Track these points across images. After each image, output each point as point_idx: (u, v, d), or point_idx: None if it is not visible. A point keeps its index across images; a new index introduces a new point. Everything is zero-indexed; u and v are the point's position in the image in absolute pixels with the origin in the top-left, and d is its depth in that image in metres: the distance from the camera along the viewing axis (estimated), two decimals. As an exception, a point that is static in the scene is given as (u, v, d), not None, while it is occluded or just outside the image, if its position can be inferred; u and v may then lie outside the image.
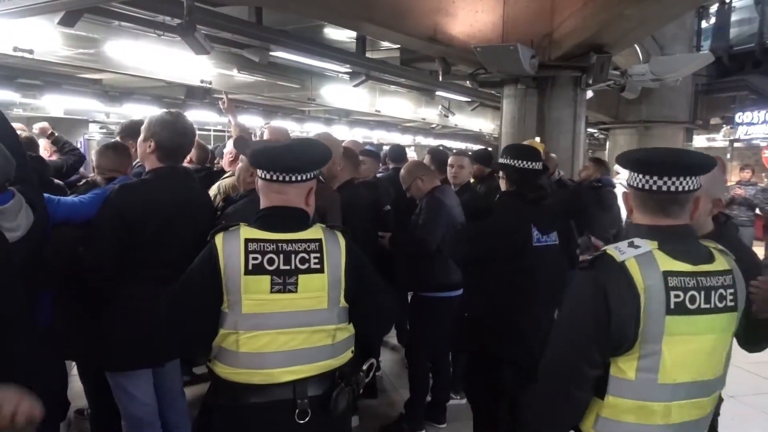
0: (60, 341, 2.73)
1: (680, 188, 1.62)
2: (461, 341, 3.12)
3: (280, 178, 1.89)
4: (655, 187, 1.62)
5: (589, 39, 6.09)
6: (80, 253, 2.51)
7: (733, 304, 1.64)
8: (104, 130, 16.23)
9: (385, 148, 10.93)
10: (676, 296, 1.56)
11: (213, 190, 3.68)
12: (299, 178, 1.89)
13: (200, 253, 1.90)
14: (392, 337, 5.70)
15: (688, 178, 1.62)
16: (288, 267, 1.82)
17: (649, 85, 7.56)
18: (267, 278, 1.80)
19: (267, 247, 1.82)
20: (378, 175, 5.32)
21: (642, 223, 1.69)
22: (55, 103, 11.04)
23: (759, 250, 8.34)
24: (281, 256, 1.82)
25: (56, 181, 3.89)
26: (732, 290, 1.64)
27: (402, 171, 4.14)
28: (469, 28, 6.48)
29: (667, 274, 1.56)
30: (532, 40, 6.17)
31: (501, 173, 3.10)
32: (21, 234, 2.19)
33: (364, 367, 2.04)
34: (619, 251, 1.61)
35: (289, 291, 1.81)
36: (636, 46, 8.35)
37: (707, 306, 1.59)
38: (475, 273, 3.07)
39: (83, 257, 2.51)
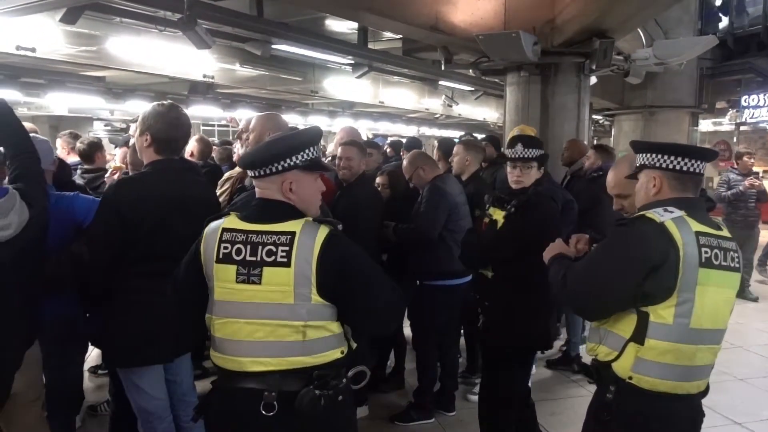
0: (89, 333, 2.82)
1: (703, 171, 2.05)
2: (515, 338, 3.00)
3: (252, 174, 1.94)
4: (695, 169, 2.02)
5: (591, 24, 6.04)
6: (80, 251, 2.53)
7: (739, 266, 2.00)
8: (108, 128, 16.28)
9: (389, 139, 10.93)
10: (705, 252, 1.89)
11: (225, 176, 3.68)
12: (264, 172, 1.89)
13: None
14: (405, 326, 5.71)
15: (706, 163, 2.05)
16: (254, 258, 1.82)
17: (653, 69, 7.48)
18: (233, 268, 1.83)
19: (237, 237, 1.85)
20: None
21: (669, 197, 2.01)
22: (59, 102, 11.07)
23: None
24: (248, 247, 1.83)
25: (77, 182, 3.90)
26: (737, 254, 2.00)
27: (404, 161, 4.17)
28: (471, 16, 6.44)
29: (698, 234, 1.90)
30: (534, 27, 6.12)
31: (530, 165, 3.04)
32: (12, 233, 2.18)
33: (350, 374, 1.93)
34: (658, 214, 1.92)
35: (253, 282, 1.81)
36: (639, 30, 8.27)
37: (726, 264, 1.94)
38: (509, 271, 2.99)
39: (83, 254, 2.52)
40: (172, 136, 2.64)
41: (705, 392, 2.04)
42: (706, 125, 15.81)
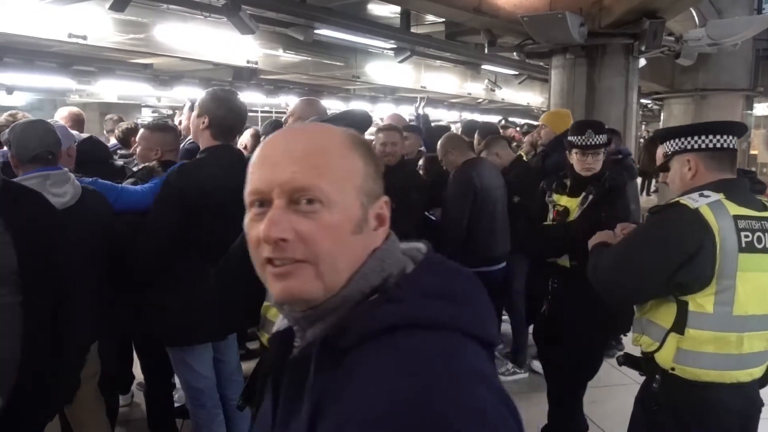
0: (119, 318, 2.83)
1: (735, 145, 1.99)
2: (598, 325, 2.93)
3: None
4: (726, 145, 1.95)
5: (641, 4, 5.87)
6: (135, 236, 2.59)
7: None
8: (156, 114, 16.62)
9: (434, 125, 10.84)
10: (746, 236, 1.83)
11: None
12: None
13: None
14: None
15: (737, 138, 2.00)
16: None
17: (705, 50, 7.26)
18: None
19: None
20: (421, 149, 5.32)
21: (707, 181, 1.94)
22: (109, 89, 11.35)
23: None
24: None
25: (117, 162, 3.99)
26: None
27: (438, 144, 4.14)
28: (515, -3, 6.34)
29: (736, 218, 1.83)
30: (580, 8, 5.98)
31: (600, 151, 2.97)
32: (68, 200, 2.30)
33: None
34: (693, 200, 1.87)
35: None
36: (692, 9, 7.99)
37: None
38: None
39: (139, 237, 2.57)
40: (230, 123, 2.65)
41: (764, 380, 1.98)
42: (761, 109, 15.18)
